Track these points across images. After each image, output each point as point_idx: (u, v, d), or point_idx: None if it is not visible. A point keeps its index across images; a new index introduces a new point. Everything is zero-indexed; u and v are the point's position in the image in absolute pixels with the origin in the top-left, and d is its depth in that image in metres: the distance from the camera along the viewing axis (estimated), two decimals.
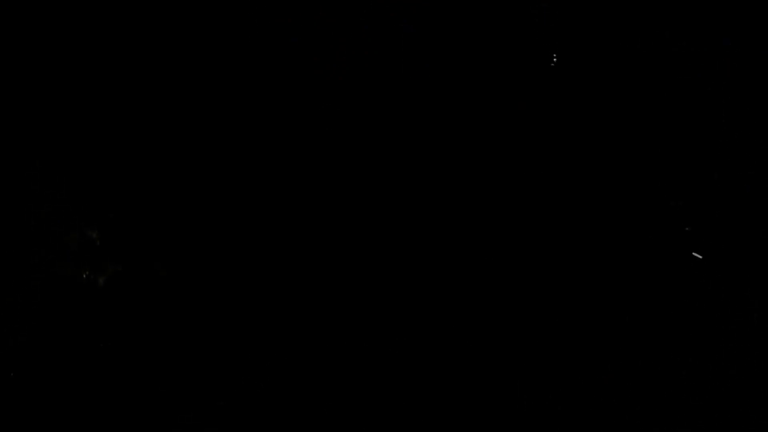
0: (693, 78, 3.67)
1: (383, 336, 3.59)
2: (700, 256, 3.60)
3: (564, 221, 3.67)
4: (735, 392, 3.48)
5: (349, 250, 3.64)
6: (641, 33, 3.69)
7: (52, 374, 3.43)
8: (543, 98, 3.72)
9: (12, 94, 3.53)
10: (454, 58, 3.71)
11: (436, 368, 3.56)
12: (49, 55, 3.57)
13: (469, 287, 3.63)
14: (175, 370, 3.50)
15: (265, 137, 3.65)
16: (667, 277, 3.60)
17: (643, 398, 3.51)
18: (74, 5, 3.57)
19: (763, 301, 3.53)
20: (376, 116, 3.69)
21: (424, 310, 3.61)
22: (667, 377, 3.52)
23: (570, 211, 3.67)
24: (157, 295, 3.53)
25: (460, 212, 3.66)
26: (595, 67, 3.73)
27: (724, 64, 3.65)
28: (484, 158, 3.70)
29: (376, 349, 3.58)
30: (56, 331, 3.45)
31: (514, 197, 3.68)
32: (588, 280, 3.62)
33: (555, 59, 3.71)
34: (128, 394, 3.45)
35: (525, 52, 3.73)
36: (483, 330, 3.60)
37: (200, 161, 3.61)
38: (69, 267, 3.44)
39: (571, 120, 3.71)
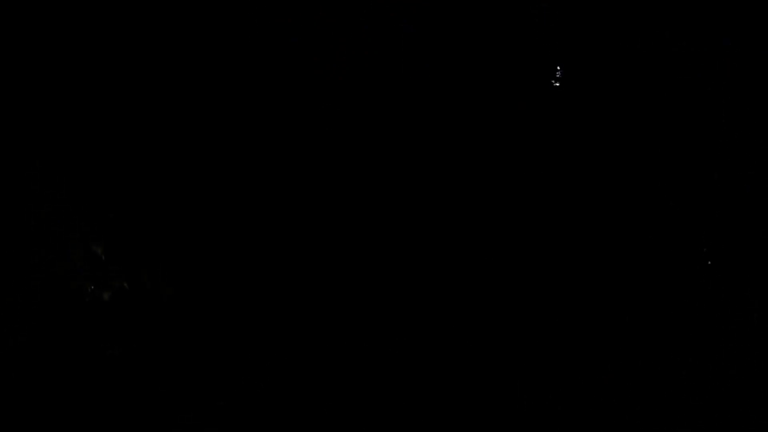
0: (693, 78, 3.67)
1: (383, 336, 3.59)
2: (701, 257, 3.60)
3: (563, 221, 3.67)
4: (735, 392, 3.48)
5: (348, 251, 3.64)
6: (641, 33, 3.69)
7: (52, 375, 3.43)
8: (543, 98, 3.72)
9: (12, 94, 3.53)
10: (455, 58, 3.71)
11: (436, 368, 3.56)
12: (51, 55, 3.57)
13: (469, 287, 3.63)
14: (175, 371, 3.50)
15: (267, 140, 3.65)
16: (667, 277, 3.60)
17: (643, 398, 3.51)
18: (75, 5, 3.57)
19: (763, 301, 3.53)
20: (377, 116, 3.69)
21: (424, 310, 3.61)
22: (667, 377, 3.52)
23: (569, 211, 3.67)
24: (160, 300, 3.53)
25: (460, 213, 3.67)
26: (595, 67, 3.73)
27: (724, 64, 3.65)
28: (485, 158, 3.70)
29: (376, 349, 3.58)
30: (57, 332, 3.45)
31: (514, 198, 3.68)
32: (587, 281, 3.62)
33: (555, 58, 3.71)
34: (128, 394, 3.45)
35: (525, 51, 3.73)
36: (483, 330, 3.60)
37: (201, 166, 3.61)
38: (68, 265, 3.44)
39: (571, 119, 3.71)
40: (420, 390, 3.54)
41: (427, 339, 3.58)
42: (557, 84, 3.72)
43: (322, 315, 3.60)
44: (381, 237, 3.65)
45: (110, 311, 3.46)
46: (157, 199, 3.58)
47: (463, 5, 3.70)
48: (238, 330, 3.57)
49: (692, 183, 3.63)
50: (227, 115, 3.64)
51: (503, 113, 3.71)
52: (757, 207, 3.58)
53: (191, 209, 3.60)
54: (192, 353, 3.52)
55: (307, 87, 3.66)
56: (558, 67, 3.72)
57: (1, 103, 3.52)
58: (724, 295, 3.55)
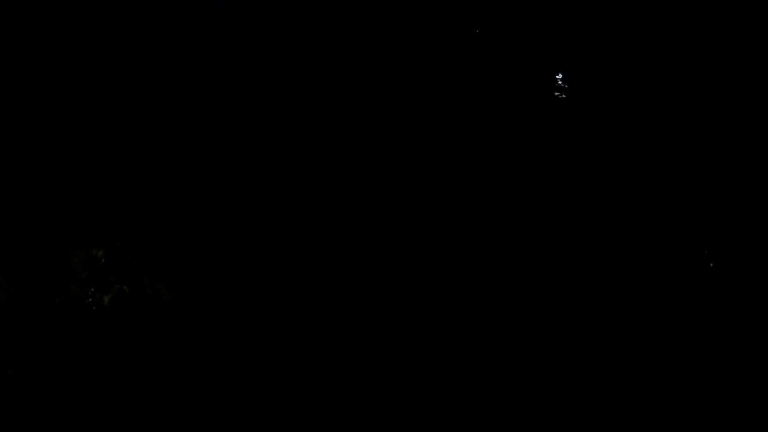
0: (693, 78, 3.67)
1: (382, 336, 3.59)
2: (701, 257, 3.60)
3: (565, 223, 3.67)
4: (735, 392, 3.48)
5: (348, 252, 3.64)
6: (641, 33, 3.69)
7: (53, 375, 3.43)
8: (543, 97, 3.72)
9: (14, 95, 3.53)
10: (454, 59, 3.71)
11: (436, 369, 3.56)
12: (53, 57, 3.56)
13: (470, 287, 3.63)
14: (175, 371, 3.50)
15: (267, 143, 3.65)
16: (668, 278, 3.60)
17: (643, 398, 3.51)
18: (76, 7, 3.56)
19: (763, 301, 3.53)
20: (376, 117, 3.69)
21: (424, 311, 3.61)
22: (668, 377, 3.52)
23: (571, 213, 3.67)
24: (160, 302, 3.54)
25: (460, 214, 3.66)
26: (595, 67, 3.73)
27: (724, 64, 3.65)
28: (486, 158, 3.70)
29: (376, 349, 3.58)
30: (57, 334, 3.45)
31: (514, 199, 3.68)
32: (589, 282, 3.63)
33: (555, 58, 3.71)
34: (129, 395, 3.46)
35: (525, 51, 3.73)
36: (483, 330, 3.60)
37: (201, 169, 3.61)
38: (68, 267, 3.44)
39: (570, 119, 3.71)
40: (420, 390, 3.54)
41: (427, 340, 3.59)
42: (557, 84, 3.72)
43: (320, 316, 3.60)
44: (380, 237, 3.65)
45: (111, 313, 3.46)
46: (157, 203, 3.58)
47: (463, 6, 3.70)
48: (238, 331, 3.57)
49: (693, 184, 3.63)
50: (227, 119, 3.64)
51: (503, 113, 3.71)
52: (757, 207, 3.58)
53: (192, 212, 3.60)
54: (192, 354, 3.52)
55: (307, 87, 3.66)
56: (558, 68, 3.72)
57: (3, 104, 3.52)
58: (724, 296, 3.56)
